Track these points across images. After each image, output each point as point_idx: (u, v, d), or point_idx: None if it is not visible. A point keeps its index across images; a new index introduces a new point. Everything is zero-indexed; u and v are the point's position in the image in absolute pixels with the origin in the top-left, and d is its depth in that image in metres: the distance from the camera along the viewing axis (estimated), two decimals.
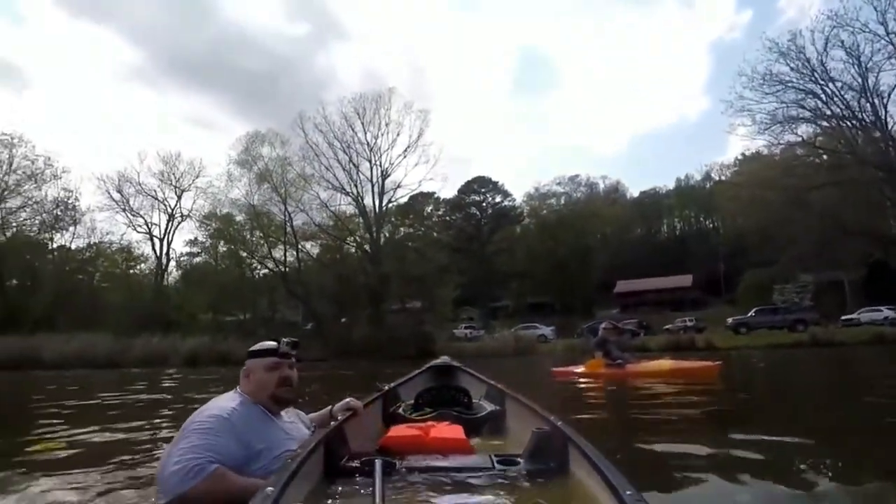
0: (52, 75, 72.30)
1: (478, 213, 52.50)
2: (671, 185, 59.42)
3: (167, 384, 11.17)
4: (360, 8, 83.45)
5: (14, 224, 30.08)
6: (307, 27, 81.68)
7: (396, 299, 32.22)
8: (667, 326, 29.29)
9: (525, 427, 2.13)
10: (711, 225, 55.40)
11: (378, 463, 1.28)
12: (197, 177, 32.74)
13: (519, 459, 1.81)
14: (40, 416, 6.57)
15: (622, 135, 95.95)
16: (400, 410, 2.93)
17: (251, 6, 77.91)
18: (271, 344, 2.10)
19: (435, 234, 44.87)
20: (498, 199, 53.21)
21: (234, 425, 1.81)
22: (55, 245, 31.98)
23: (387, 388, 3.02)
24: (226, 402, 1.90)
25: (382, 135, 31.43)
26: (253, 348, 2.12)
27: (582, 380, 7.94)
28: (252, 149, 30.37)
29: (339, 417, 2.27)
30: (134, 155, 49.88)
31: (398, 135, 31.55)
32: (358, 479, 1.59)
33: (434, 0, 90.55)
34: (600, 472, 1.44)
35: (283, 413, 2.06)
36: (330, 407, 2.46)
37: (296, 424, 2.10)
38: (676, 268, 45.53)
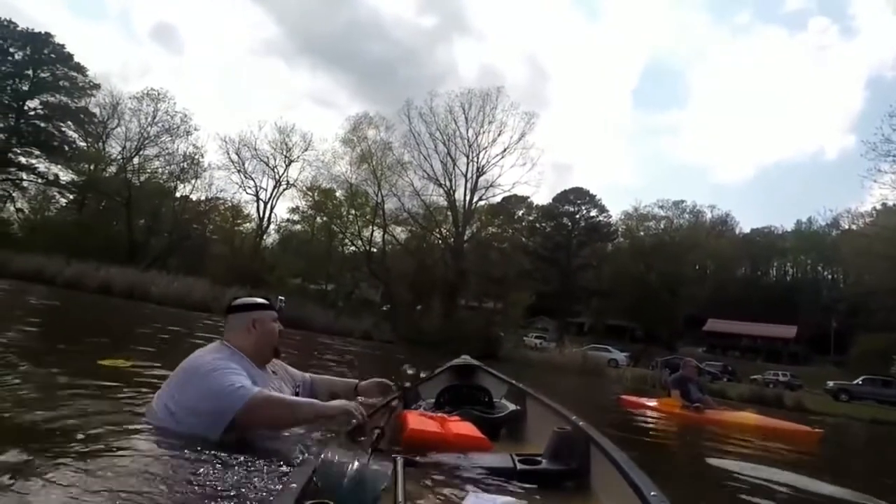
0: (203, 41, 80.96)
1: (569, 223, 51.08)
2: (789, 225, 54.29)
3: None
4: (488, 7, 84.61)
5: (148, 170, 33.96)
6: (435, 20, 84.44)
7: (472, 296, 32.33)
8: (754, 377, 26.82)
9: (546, 427, 2.09)
10: (830, 277, 49.83)
11: (400, 461, 1.27)
12: (306, 149, 34.75)
13: (540, 459, 1.79)
14: (127, 338, 7.38)
15: (744, 164, 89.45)
16: (421, 409, 2.90)
17: None
18: (262, 300, 2.16)
19: (522, 238, 44.36)
20: (593, 214, 51.48)
21: (245, 369, 1.91)
22: (178, 194, 35.61)
23: (407, 386, 3.03)
24: (218, 353, 1.95)
25: (484, 132, 31.53)
26: (252, 300, 2.15)
27: (651, 414, 7.30)
28: (358, 129, 31.73)
29: (361, 398, 2.30)
30: (255, 122, 54.30)
31: (500, 134, 31.48)
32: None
33: (561, 5, 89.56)
34: (623, 473, 1.42)
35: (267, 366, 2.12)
36: (356, 382, 2.48)
37: (279, 378, 2.16)
38: (780, 316, 41.51)
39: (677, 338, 42.83)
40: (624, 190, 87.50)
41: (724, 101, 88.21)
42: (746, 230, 55.01)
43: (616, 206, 69.83)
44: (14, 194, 35.01)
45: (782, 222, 57.82)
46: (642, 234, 49.35)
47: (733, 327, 43.13)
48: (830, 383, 25.32)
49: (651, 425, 6.51)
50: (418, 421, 2.13)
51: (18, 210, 35.75)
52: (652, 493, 1.24)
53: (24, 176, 34.77)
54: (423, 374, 2.64)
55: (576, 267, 48.69)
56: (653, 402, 7.76)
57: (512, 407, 2.89)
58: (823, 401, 21.22)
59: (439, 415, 2.41)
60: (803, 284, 49.66)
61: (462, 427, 2.17)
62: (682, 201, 51.25)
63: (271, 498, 1.19)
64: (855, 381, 24.71)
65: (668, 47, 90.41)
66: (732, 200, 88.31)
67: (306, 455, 1.45)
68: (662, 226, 49.68)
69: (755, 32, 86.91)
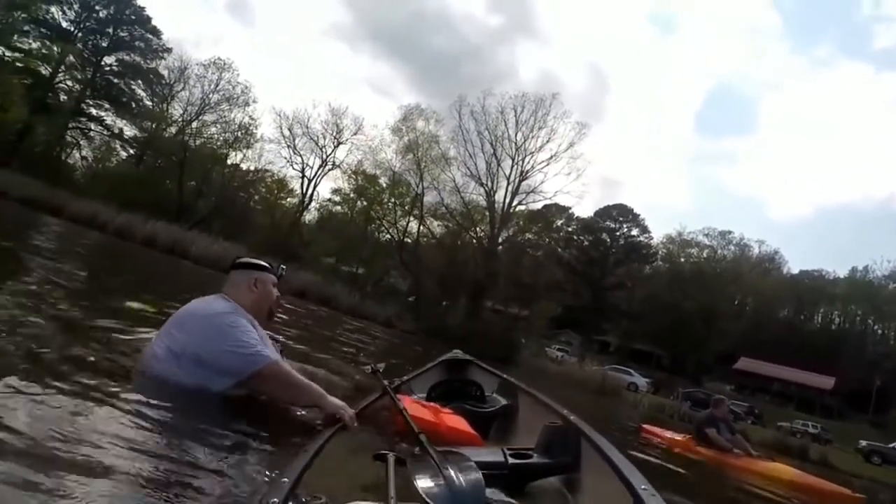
0: (274, 17, 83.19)
1: (609, 240, 50.12)
2: (842, 272, 51.44)
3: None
4: (557, 12, 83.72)
5: (204, 135, 35.05)
6: (502, 19, 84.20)
7: (499, 299, 32.17)
8: (781, 423, 25.70)
9: (538, 421, 2.10)
10: (880, 331, 47.04)
11: (391, 458, 1.27)
12: (355, 133, 35.26)
13: (532, 453, 1.81)
14: (158, 287, 7.73)
15: (803, 202, 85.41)
16: None
17: None
18: (265, 263, 2.20)
19: (558, 248, 43.83)
20: (634, 233, 50.34)
21: (253, 326, 1.97)
22: (229, 161, 36.56)
23: (398, 381, 3.05)
24: (225, 303, 1.97)
25: (533, 137, 31.29)
26: (256, 261, 2.19)
27: (673, 450, 6.82)
28: (409, 119, 32.01)
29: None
30: (310, 100, 55.63)
31: (548, 140, 31.17)
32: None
33: (635, 18, 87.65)
34: (613, 467, 1.44)
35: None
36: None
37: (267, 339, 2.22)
38: (818, 365, 39.52)
39: (705, 371, 41.43)
40: (670, 213, 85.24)
41: (791, 135, 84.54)
42: (795, 271, 52.64)
43: (660, 229, 67.90)
44: (81, 142, 37.04)
45: (835, 267, 54.78)
46: (683, 260, 47.99)
47: (766, 369, 41.35)
48: (863, 443, 24.00)
49: (671, 462, 6.07)
50: (414, 408, 2.14)
51: (83, 158, 37.86)
52: (642, 487, 1.24)
53: (93, 126, 36.71)
54: (381, 367, 2.65)
55: (609, 285, 47.79)
56: (677, 437, 7.32)
57: (503, 401, 2.89)
58: (852, 460, 20.08)
59: (432, 404, 2.43)
60: (849, 335, 47.04)
61: (455, 420, 2.19)
62: (730, 232, 49.51)
63: (263, 490, 1.18)
64: (891, 445, 23.37)
65: (739, 73, 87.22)
66: (784, 238, 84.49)
67: (301, 449, 1.46)
68: (705, 254, 48.17)
69: (837, 67, 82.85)
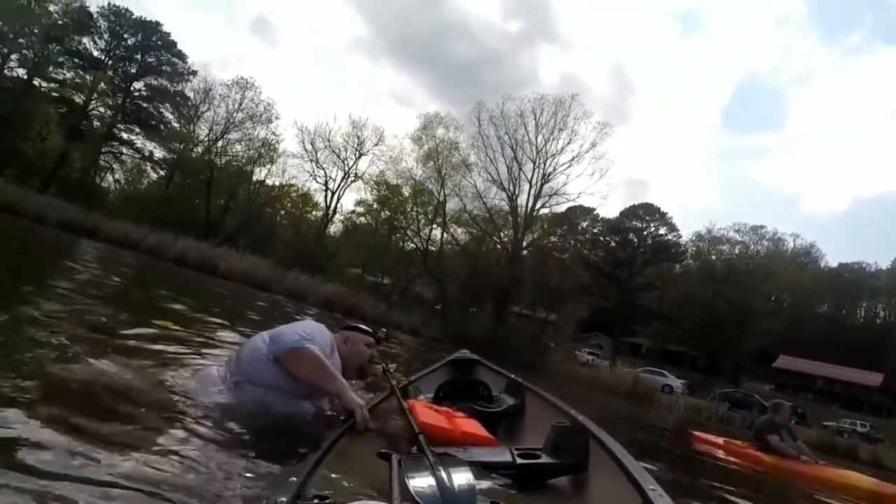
0: (296, 35, 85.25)
1: (636, 240, 49.19)
2: (884, 263, 49.40)
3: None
4: (578, 14, 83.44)
5: (230, 154, 35.74)
6: (521, 25, 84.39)
7: (525, 304, 31.89)
8: (826, 423, 24.69)
9: (546, 421, 2.10)
10: None
11: (395, 458, 1.28)
12: (376, 144, 35.52)
13: (540, 453, 1.81)
14: (185, 305, 7.88)
15: (839, 195, 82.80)
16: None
17: None
18: (370, 329, 2.72)
19: (585, 250, 43.27)
20: (662, 232, 49.23)
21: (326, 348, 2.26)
22: (255, 178, 37.28)
23: (406, 381, 3.03)
24: (327, 332, 2.37)
25: (554, 139, 30.99)
26: (359, 325, 2.75)
27: (732, 459, 6.41)
28: (429, 128, 32.11)
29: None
30: (332, 113, 56.56)
31: (569, 142, 30.84)
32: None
33: (657, 17, 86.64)
34: (622, 467, 1.44)
35: None
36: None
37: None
38: (863, 361, 37.92)
39: (742, 371, 40.20)
40: (699, 211, 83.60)
41: (824, 126, 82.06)
42: (833, 264, 50.77)
43: (688, 227, 66.54)
44: (114, 166, 38.52)
45: (877, 259, 52.57)
46: (714, 257, 46.79)
47: (808, 367, 39.91)
48: None
49: (732, 470, 5.84)
50: (426, 412, 2.12)
51: (116, 181, 39.34)
52: (651, 488, 1.23)
53: (124, 150, 38.21)
54: (391, 367, 2.73)
55: (638, 286, 46.86)
56: (735, 445, 6.94)
57: (511, 401, 2.89)
58: None
59: (444, 408, 2.40)
60: None
61: (469, 425, 2.16)
62: (762, 227, 47.99)
63: (272, 489, 1.20)
64: None
65: (767, 67, 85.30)
66: (820, 231, 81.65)
67: (310, 448, 1.49)
68: (737, 251, 46.81)
69: (871, 52, 79.99)
